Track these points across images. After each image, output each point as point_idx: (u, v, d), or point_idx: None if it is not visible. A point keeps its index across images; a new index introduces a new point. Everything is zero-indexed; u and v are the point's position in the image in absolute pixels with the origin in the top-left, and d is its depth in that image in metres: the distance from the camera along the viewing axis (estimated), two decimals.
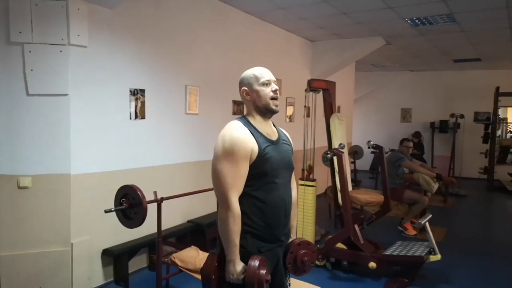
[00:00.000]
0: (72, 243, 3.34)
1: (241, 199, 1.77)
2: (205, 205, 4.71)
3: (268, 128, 1.90)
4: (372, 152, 8.59)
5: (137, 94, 3.86)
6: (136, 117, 3.86)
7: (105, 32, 3.52)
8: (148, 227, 3.51)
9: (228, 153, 1.73)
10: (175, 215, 4.34)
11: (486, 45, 7.21)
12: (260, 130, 1.84)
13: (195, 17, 4.51)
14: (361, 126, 11.44)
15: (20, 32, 3.09)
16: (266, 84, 1.88)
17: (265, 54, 5.81)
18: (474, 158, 9.99)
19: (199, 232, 4.45)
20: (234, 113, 5.23)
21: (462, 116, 9.25)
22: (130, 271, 3.77)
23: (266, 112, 1.88)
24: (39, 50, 3.13)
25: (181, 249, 3.35)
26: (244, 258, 1.75)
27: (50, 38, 3.15)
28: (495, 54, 8.20)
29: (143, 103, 3.92)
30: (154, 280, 3.64)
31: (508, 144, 10.12)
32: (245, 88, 1.91)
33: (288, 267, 1.91)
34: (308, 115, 4.47)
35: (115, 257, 3.65)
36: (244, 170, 1.76)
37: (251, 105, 1.90)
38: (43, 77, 3.16)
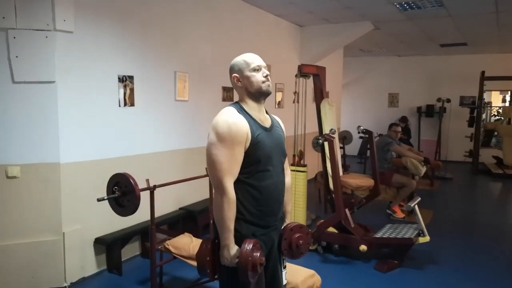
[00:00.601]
0: (63, 232, 3.31)
1: (235, 186, 1.77)
2: (196, 192, 4.71)
3: (261, 115, 1.90)
4: (360, 137, 8.66)
5: (126, 80, 3.80)
6: (125, 104, 3.80)
7: (91, 17, 3.44)
8: (140, 215, 3.49)
9: (224, 139, 1.73)
10: (167, 203, 4.32)
11: (473, 29, 7.27)
12: (253, 117, 1.84)
13: (183, 1, 4.43)
14: (349, 111, 11.49)
15: (3, 17, 2.99)
16: (257, 69, 1.87)
17: (254, 40, 5.75)
18: (460, 142, 10.17)
19: (191, 219, 4.46)
20: (223, 100, 5.20)
21: (448, 101, 9.38)
22: (123, 259, 3.77)
23: (259, 96, 1.88)
24: (24, 36, 3.05)
25: (174, 236, 3.35)
26: (239, 242, 1.76)
27: (35, 24, 3.06)
28: (481, 39, 8.28)
29: (131, 90, 3.86)
30: (148, 267, 3.64)
31: (492, 128, 10.30)
32: (236, 74, 1.90)
33: (284, 253, 1.93)
34: (298, 101, 4.47)
35: (107, 246, 3.64)
36: (239, 156, 1.76)
37: (243, 91, 1.89)
38: (29, 64, 3.08)
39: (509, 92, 11.50)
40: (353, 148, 9.99)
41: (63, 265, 3.33)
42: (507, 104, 12.38)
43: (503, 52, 10.09)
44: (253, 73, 1.86)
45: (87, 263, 3.56)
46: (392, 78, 11.55)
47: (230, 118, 1.76)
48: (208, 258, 1.83)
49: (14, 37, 3.03)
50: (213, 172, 1.76)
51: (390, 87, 11.63)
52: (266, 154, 1.81)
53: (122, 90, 3.76)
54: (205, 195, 4.85)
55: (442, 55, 10.68)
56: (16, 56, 3.05)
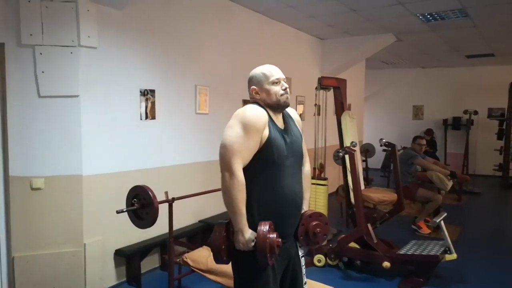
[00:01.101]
0: (85, 244, 3.35)
1: (248, 186, 1.74)
2: (216, 205, 4.70)
3: (279, 121, 1.91)
4: (384, 150, 8.49)
5: (147, 94, 3.86)
6: (146, 117, 3.86)
7: (114, 33, 3.53)
8: (159, 227, 3.50)
9: (241, 122, 1.73)
10: (186, 215, 4.33)
11: (500, 40, 7.08)
12: (272, 118, 1.86)
13: (203, 16, 4.50)
14: (372, 124, 11.32)
15: (31, 35, 3.10)
16: (276, 82, 1.89)
17: (274, 53, 5.77)
18: (489, 155, 9.82)
19: (210, 232, 4.40)
20: None
21: (476, 113, 9.11)
22: (142, 271, 3.78)
23: (277, 108, 1.90)
24: (50, 52, 3.15)
25: (192, 249, 3.34)
26: (252, 226, 1.73)
27: (60, 40, 3.17)
28: (509, 50, 8.04)
29: (153, 103, 3.92)
30: (166, 280, 3.64)
31: None
32: (255, 87, 1.92)
33: (300, 240, 1.90)
34: (318, 114, 4.44)
35: (127, 257, 3.66)
36: (253, 144, 1.74)
37: (261, 103, 1.90)
38: (54, 78, 3.18)
39: None
40: (377, 161, 9.79)
41: (83, 276, 3.36)
42: None
43: None
44: (272, 86, 1.87)
45: (106, 275, 3.58)
46: (416, 90, 11.33)
47: (252, 108, 1.80)
48: (223, 247, 1.76)
49: (41, 53, 3.14)
50: (223, 152, 1.73)
51: (414, 99, 11.41)
52: (281, 154, 1.80)
53: (143, 104, 3.82)
54: (225, 208, 4.85)
55: (468, 66, 10.43)
56: (42, 72, 3.15)
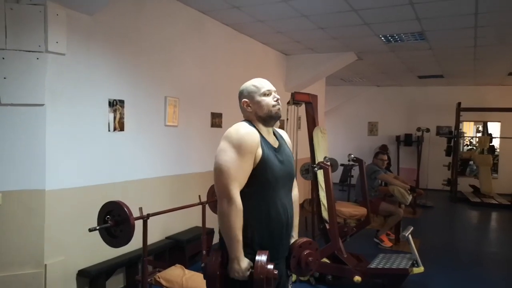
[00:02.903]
0: (45, 265, 3.09)
1: (243, 206, 1.70)
2: (184, 220, 4.56)
3: (270, 137, 1.88)
4: (341, 165, 8.72)
5: (116, 105, 3.69)
6: (114, 129, 3.68)
7: (84, 39, 3.36)
8: (126, 245, 3.32)
9: (234, 146, 1.69)
10: (153, 232, 4.12)
11: (451, 62, 7.57)
12: (264, 136, 1.82)
13: (175, 26, 4.41)
14: (330, 138, 11.52)
15: None
16: (267, 94, 1.88)
17: (242, 67, 5.78)
18: (438, 171, 10.38)
19: (178, 249, 4.28)
20: (212, 125, 5.13)
21: (428, 130, 9.62)
22: None
23: (270, 120, 1.88)
24: (14, 57, 2.93)
25: (164, 268, 3.19)
26: (247, 249, 1.70)
27: (26, 45, 2.96)
28: (457, 72, 8.62)
29: (121, 114, 3.75)
30: None
31: (467, 157, 10.63)
32: (246, 100, 1.89)
33: (293, 271, 1.89)
34: (283, 128, 4.46)
35: (91, 278, 3.42)
36: (248, 166, 1.71)
37: (252, 116, 1.89)
38: (17, 85, 2.94)
39: (482, 123, 11.94)
40: (334, 175, 10.00)
41: None
42: (479, 134, 12.82)
43: (477, 85, 10.52)
44: (264, 98, 1.87)
45: None
46: (371, 107, 11.81)
47: (243, 128, 1.75)
48: (217, 273, 1.71)
49: (3, 58, 2.90)
50: (220, 178, 1.69)
51: (370, 116, 11.88)
52: (275, 174, 1.78)
53: (112, 115, 3.65)
54: (193, 223, 4.72)
55: (419, 86, 11.05)
56: (4, 78, 2.91)
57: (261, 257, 1.65)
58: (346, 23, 5.10)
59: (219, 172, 1.69)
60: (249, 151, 1.70)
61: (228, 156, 1.68)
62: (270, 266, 1.64)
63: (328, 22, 5.10)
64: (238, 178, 1.69)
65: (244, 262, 1.67)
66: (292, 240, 1.92)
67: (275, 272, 1.65)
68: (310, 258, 1.86)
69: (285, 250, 1.87)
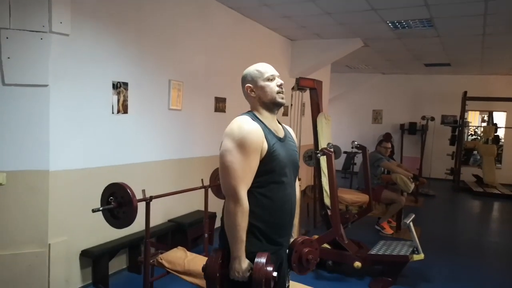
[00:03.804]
0: (49, 244, 3.13)
1: (247, 196, 1.70)
2: (186, 204, 4.59)
3: (274, 125, 1.87)
4: (344, 152, 8.71)
5: (120, 87, 3.68)
6: (118, 111, 3.68)
7: (88, 20, 3.33)
8: (128, 227, 3.36)
9: (239, 145, 1.67)
10: (155, 214, 4.14)
11: (458, 51, 7.47)
12: (268, 126, 1.80)
13: (180, 9, 4.36)
14: (335, 125, 11.47)
15: None
16: (271, 79, 1.84)
17: (246, 52, 5.73)
18: (441, 160, 10.35)
19: (180, 232, 4.32)
20: (216, 110, 5.12)
21: (432, 119, 9.55)
22: (109, 272, 3.59)
23: (273, 107, 1.85)
24: (18, 36, 2.91)
25: (167, 250, 3.22)
26: (248, 255, 1.69)
27: (30, 25, 2.93)
28: (464, 60, 8.52)
29: (125, 97, 3.74)
30: (135, 282, 3.51)
31: (471, 147, 10.57)
32: (249, 85, 1.86)
33: (293, 267, 1.88)
34: (286, 114, 4.44)
35: (94, 258, 3.47)
36: (255, 163, 1.70)
37: (256, 101, 1.85)
38: (21, 65, 2.93)
39: (488, 112, 11.85)
40: (337, 162, 10.02)
41: (47, 279, 3.14)
42: (484, 124, 12.74)
43: (483, 74, 10.41)
44: (268, 83, 1.83)
45: (72, 277, 3.37)
46: (376, 95, 11.73)
47: (246, 125, 1.71)
48: (217, 274, 1.73)
49: (7, 37, 2.89)
50: (226, 179, 1.68)
51: (374, 103, 11.81)
52: (281, 164, 1.76)
53: (116, 97, 3.64)
54: (195, 207, 4.75)
55: (425, 74, 10.94)
56: (8, 57, 2.90)
57: (261, 259, 1.65)
58: (353, 9, 5.03)
59: (226, 173, 1.68)
60: (254, 149, 1.68)
61: (233, 156, 1.66)
62: (270, 268, 1.65)
63: (335, 7, 5.03)
64: (245, 178, 1.68)
65: (245, 263, 1.67)
66: (291, 239, 1.93)
67: (274, 275, 1.66)
68: (310, 256, 1.86)
69: (287, 239, 1.88)
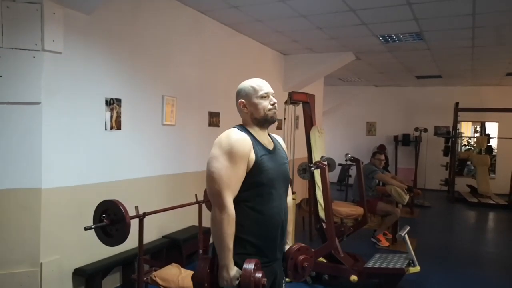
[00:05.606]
0: (41, 263, 3.08)
1: (236, 209, 1.70)
2: (181, 220, 4.56)
3: (265, 138, 1.88)
4: (339, 164, 8.72)
5: (113, 103, 3.69)
6: (111, 128, 3.68)
7: (80, 38, 3.35)
8: (122, 244, 3.32)
9: (226, 153, 1.69)
10: (149, 231, 4.12)
11: (448, 62, 7.58)
12: (257, 138, 1.82)
13: (173, 26, 4.40)
14: (328, 138, 11.57)
15: None
16: (265, 97, 1.84)
17: (240, 66, 5.77)
18: (435, 171, 10.39)
19: (175, 248, 4.28)
20: (210, 125, 5.13)
21: (425, 130, 9.63)
22: None
23: (264, 123, 1.86)
24: (10, 55, 2.92)
25: (160, 267, 3.19)
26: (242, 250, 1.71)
27: (22, 43, 2.95)
28: (455, 72, 8.63)
29: (118, 113, 3.75)
30: None
31: (465, 157, 10.64)
32: (243, 100, 1.87)
33: (289, 274, 1.88)
34: (280, 127, 4.46)
35: (87, 277, 3.41)
36: (241, 172, 1.71)
37: (248, 117, 1.87)
38: (14, 84, 2.94)
39: (480, 123, 11.96)
40: (332, 175, 10.03)
41: None
42: (477, 134, 12.85)
43: (474, 85, 10.54)
44: (261, 101, 1.83)
45: None
46: (369, 107, 11.82)
47: (234, 135, 1.74)
48: (206, 285, 1.72)
49: (0, 56, 2.89)
50: (212, 186, 1.69)
51: (368, 116, 11.89)
52: (269, 176, 1.77)
53: (109, 113, 3.64)
54: (190, 222, 4.72)
55: (417, 86, 11.06)
56: (1, 76, 2.91)
57: (249, 265, 1.64)
58: (344, 23, 5.10)
59: (211, 180, 1.68)
60: (240, 157, 1.69)
61: (219, 163, 1.68)
62: (258, 275, 1.64)
63: (326, 22, 5.10)
64: (231, 185, 1.68)
65: (233, 271, 1.66)
66: (287, 247, 1.93)
67: (264, 281, 1.64)
68: (306, 263, 1.87)
69: (280, 252, 1.87)
